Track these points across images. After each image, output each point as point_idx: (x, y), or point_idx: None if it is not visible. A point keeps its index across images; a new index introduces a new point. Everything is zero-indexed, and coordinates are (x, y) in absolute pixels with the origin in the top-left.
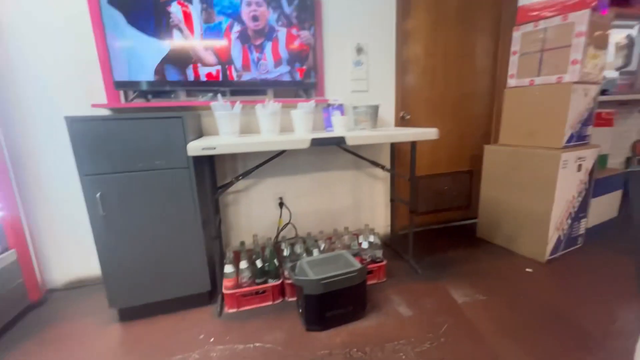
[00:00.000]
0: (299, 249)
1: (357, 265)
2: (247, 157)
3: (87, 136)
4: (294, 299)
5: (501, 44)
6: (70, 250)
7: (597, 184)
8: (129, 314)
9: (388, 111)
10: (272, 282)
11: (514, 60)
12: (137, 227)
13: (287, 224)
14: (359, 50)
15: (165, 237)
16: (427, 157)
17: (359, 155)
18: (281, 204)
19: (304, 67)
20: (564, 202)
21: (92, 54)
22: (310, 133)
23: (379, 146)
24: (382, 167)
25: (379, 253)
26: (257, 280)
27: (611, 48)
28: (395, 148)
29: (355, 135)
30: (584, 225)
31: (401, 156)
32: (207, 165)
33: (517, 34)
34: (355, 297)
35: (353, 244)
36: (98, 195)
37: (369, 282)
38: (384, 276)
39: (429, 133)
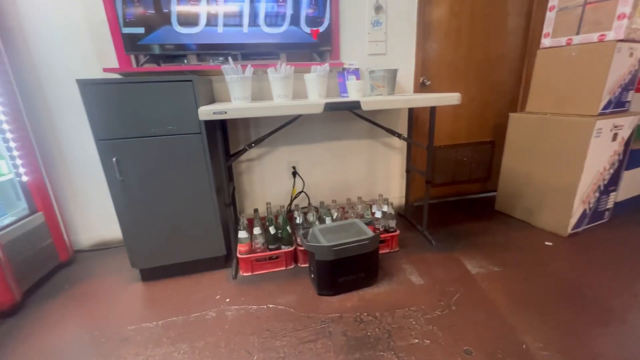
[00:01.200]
0: (311, 217)
1: (370, 233)
2: (259, 124)
3: (99, 100)
4: (307, 265)
5: (536, 1)
6: (94, 213)
7: (632, 155)
8: (150, 274)
9: (407, 76)
10: (285, 249)
11: (550, 16)
12: (153, 192)
13: (300, 192)
14: (378, 8)
15: (181, 202)
16: (447, 126)
17: (375, 123)
18: (294, 173)
19: (319, 28)
20: (593, 173)
21: (101, 15)
22: (324, 98)
23: (396, 113)
24: (399, 136)
25: (392, 223)
26: (270, 247)
27: None
28: (413, 116)
29: (371, 100)
30: (613, 199)
31: (420, 125)
32: (220, 132)
33: None
34: (367, 264)
35: (366, 213)
36: (114, 160)
37: (382, 251)
38: (397, 246)
39: (449, 98)
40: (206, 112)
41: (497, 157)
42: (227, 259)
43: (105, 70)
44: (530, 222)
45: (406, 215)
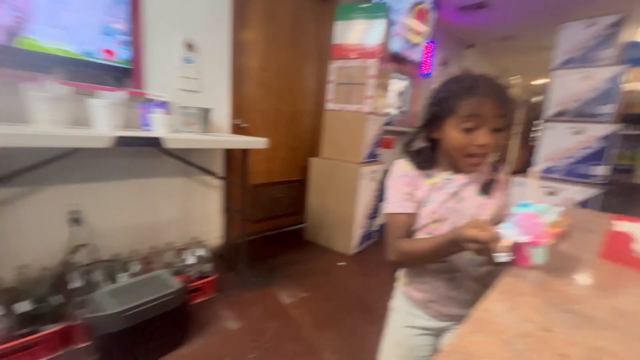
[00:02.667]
0: (98, 276)
1: (176, 285)
2: (13, 155)
3: None
4: (88, 343)
5: (323, 72)
6: None
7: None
8: None
9: (222, 117)
10: (47, 329)
11: (330, 87)
12: None
13: (82, 245)
14: (190, 46)
15: None
16: (264, 165)
17: (187, 161)
18: (75, 220)
19: (115, 50)
20: (363, 205)
21: None
22: (116, 130)
23: (213, 152)
24: (214, 175)
25: (208, 267)
26: (23, 331)
27: (394, 92)
28: (231, 155)
29: (177, 138)
30: (376, 223)
31: (237, 163)
32: None
33: (333, 66)
34: (174, 322)
35: (177, 261)
36: None
37: (197, 301)
38: (214, 291)
39: (257, 142)
40: None
41: (306, 193)
42: None
43: None
44: (330, 247)
45: (226, 256)
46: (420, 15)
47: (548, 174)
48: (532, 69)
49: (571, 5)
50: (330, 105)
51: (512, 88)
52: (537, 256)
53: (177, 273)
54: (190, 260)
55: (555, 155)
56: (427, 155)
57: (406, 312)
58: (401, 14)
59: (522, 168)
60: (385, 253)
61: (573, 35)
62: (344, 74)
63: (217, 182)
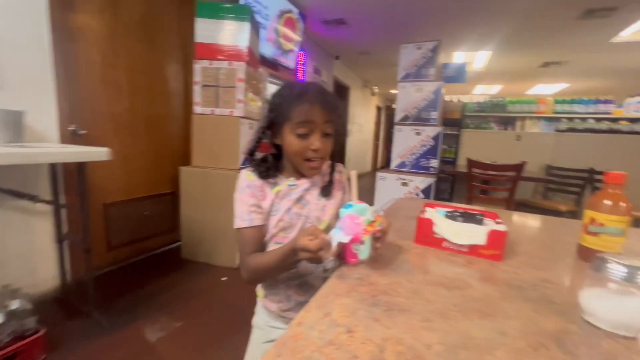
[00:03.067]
0: None
1: None
2: None
3: None
4: None
5: (189, 72)
6: None
7: None
8: None
9: (47, 122)
10: None
11: (197, 89)
12: None
13: None
14: None
15: None
16: (121, 180)
17: None
18: None
19: None
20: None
21: None
22: None
23: (32, 170)
24: (34, 199)
25: (31, 322)
26: None
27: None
28: (67, 172)
29: None
30: None
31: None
32: None
33: (197, 67)
34: None
35: None
36: None
37: None
38: (44, 351)
39: (95, 153)
40: None
41: (179, 207)
42: None
43: None
44: (211, 262)
45: (68, 299)
46: (289, 24)
47: (401, 168)
48: (388, 80)
49: (406, 30)
50: (198, 109)
51: (373, 94)
52: (361, 253)
53: None
54: None
55: (404, 152)
56: (272, 163)
57: (266, 326)
58: (269, 19)
59: (386, 164)
60: (240, 271)
61: (409, 55)
62: (210, 76)
63: (45, 208)
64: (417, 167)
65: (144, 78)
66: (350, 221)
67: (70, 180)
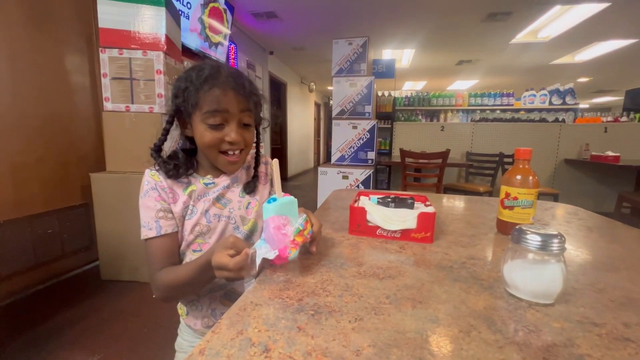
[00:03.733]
0: None
1: None
2: None
3: None
4: None
5: (96, 64)
6: None
7: None
8: None
9: None
10: None
11: (105, 82)
12: None
13: None
14: None
15: None
16: (8, 194)
17: None
18: None
19: None
20: None
21: None
22: None
23: None
24: None
25: None
26: None
27: None
28: None
29: None
30: None
31: None
32: None
33: (104, 56)
34: None
35: None
36: None
37: None
38: None
39: None
40: None
41: (93, 220)
42: None
43: None
44: (138, 279)
45: None
46: (216, 14)
47: (341, 161)
48: (324, 77)
49: (338, 25)
50: (109, 106)
51: (311, 91)
52: (290, 255)
53: None
54: None
55: (343, 146)
56: (183, 160)
57: (189, 347)
58: (192, 8)
59: (327, 159)
60: (152, 289)
61: (341, 50)
62: (121, 67)
63: None
64: (356, 160)
65: (33, 69)
66: (277, 231)
67: None
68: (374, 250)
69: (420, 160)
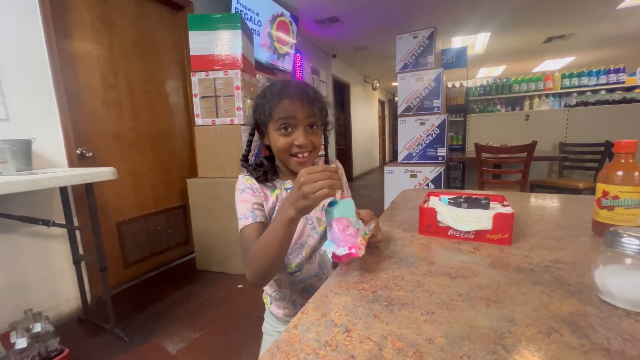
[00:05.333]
0: None
1: None
2: None
3: None
4: None
5: (188, 86)
6: None
7: None
8: None
9: (55, 148)
10: None
11: (196, 101)
12: None
13: None
14: None
15: None
16: (130, 198)
17: None
18: None
19: None
20: None
21: None
22: None
23: (46, 193)
24: (47, 223)
25: (54, 343)
26: None
27: None
28: (78, 194)
29: None
30: None
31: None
32: None
33: (194, 79)
34: None
35: None
36: None
37: None
38: None
39: (100, 174)
40: None
41: (190, 219)
42: None
43: None
44: (226, 271)
45: (89, 318)
46: (283, 27)
47: (409, 160)
48: (388, 73)
49: (401, 20)
50: (199, 121)
51: (374, 89)
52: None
53: None
54: (21, 343)
55: (410, 143)
56: (268, 167)
57: (274, 332)
58: (262, 25)
59: (394, 158)
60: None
61: (405, 45)
62: (207, 87)
63: (60, 231)
64: (425, 158)
65: (145, 96)
66: (342, 233)
67: (82, 202)
68: (445, 250)
69: (500, 155)
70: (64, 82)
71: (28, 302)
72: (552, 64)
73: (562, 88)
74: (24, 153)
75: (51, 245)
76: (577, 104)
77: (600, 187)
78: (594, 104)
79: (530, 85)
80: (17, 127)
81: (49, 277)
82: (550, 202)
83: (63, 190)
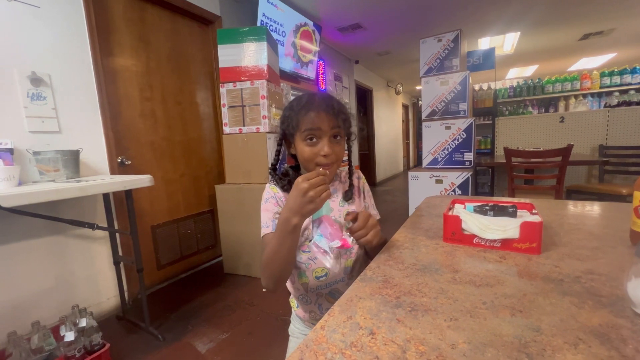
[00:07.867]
0: None
1: None
2: None
3: None
4: None
5: (217, 96)
6: None
7: None
8: None
9: (99, 157)
10: None
11: (224, 111)
12: None
13: None
14: (37, 81)
15: None
16: (163, 203)
17: (48, 216)
18: None
19: None
20: None
21: None
22: None
23: (90, 199)
24: (92, 226)
25: (97, 338)
26: None
27: None
28: (118, 200)
29: (14, 194)
30: None
31: (125, 208)
32: None
33: (223, 90)
34: None
35: (48, 342)
36: None
37: None
38: None
39: (138, 180)
40: None
41: (218, 223)
42: None
43: None
44: (251, 274)
45: (127, 316)
46: (306, 36)
47: (434, 164)
48: (412, 77)
49: (424, 24)
50: (227, 129)
51: (398, 93)
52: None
53: (50, 358)
54: (69, 336)
55: (435, 148)
56: (293, 176)
57: (300, 334)
58: (286, 35)
59: (418, 162)
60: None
61: (429, 49)
62: (235, 97)
63: (102, 233)
64: (451, 162)
65: (177, 107)
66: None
67: (121, 207)
68: (470, 259)
69: (533, 160)
70: (107, 97)
71: (74, 298)
72: (590, 62)
73: (601, 87)
74: (73, 162)
75: (94, 247)
76: (619, 104)
77: (638, 195)
78: (638, 103)
79: (565, 85)
80: (67, 138)
81: (92, 276)
82: (585, 209)
83: (105, 196)
